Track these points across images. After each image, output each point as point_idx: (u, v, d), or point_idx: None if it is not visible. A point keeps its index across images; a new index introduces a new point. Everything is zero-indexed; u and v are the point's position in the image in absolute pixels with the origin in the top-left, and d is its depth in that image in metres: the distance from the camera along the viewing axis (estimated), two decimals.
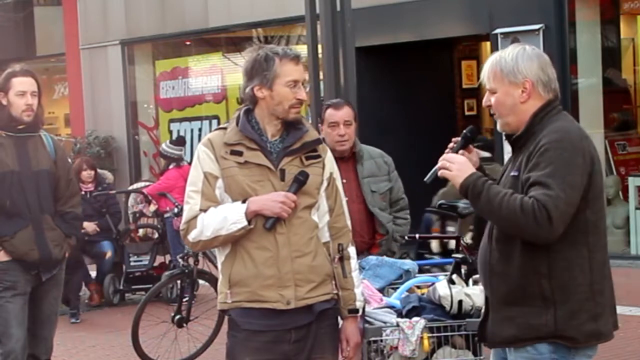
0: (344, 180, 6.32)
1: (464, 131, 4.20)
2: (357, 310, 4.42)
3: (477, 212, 4.01)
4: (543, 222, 3.72)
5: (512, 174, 3.94)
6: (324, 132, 6.34)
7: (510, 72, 3.94)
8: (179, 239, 11.14)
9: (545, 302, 3.86)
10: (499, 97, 3.98)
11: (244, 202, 4.20)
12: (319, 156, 4.35)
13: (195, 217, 4.24)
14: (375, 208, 6.33)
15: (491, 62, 4.02)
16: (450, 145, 4.16)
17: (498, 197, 3.82)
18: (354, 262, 4.44)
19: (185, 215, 4.29)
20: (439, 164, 4.03)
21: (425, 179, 4.23)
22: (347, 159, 6.37)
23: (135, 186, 12.75)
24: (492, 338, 4.05)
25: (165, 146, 12.21)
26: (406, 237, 6.60)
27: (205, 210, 4.23)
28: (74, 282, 10.54)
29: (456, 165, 3.97)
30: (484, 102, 4.06)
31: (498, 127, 4.08)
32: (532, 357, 3.93)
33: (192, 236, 4.27)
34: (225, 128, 4.33)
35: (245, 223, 4.17)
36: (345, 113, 6.31)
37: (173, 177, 11.60)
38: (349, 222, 4.49)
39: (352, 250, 4.46)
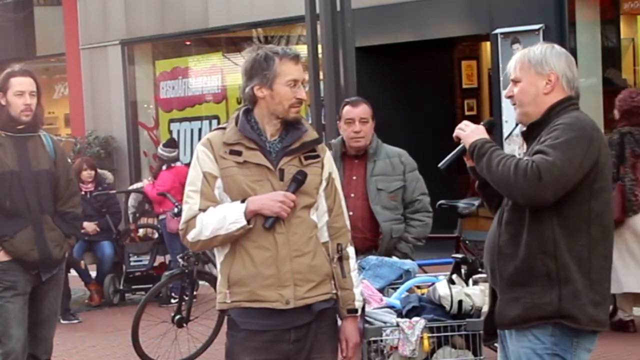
0: (354, 177, 6.36)
1: (482, 123, 4.28)
2: (356, 310, 4.42)
3: (478, 172, 4.09)
4: (532, 180, 3.82)
5: (524, 158, 4.00)
6: (341, 128, 6.41)
7: (538, 62, 4.06)
8: (176, 240, 11.24)
9: (550, 281, 3.94)
10: (523, 86, 4.09)
11: (243, 201, 4.20)
12: (317, 156, 4.36)
13: (194, 216, 4.24)
14: (376, 206, 6.34)
15: (519, 54, 4.15)
16: None
17: (498, 157, 3.95)
18: (352, 262, 4.44)
19: (184, 215, 4.29)
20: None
21: (440, 165, 4.32)
22: (361, 157, 6.45)
23: (135, 186, 12.73)
24: (499, 320, 4.10)
25: (159, 149, 12.17)
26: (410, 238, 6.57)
27: (204, 210, 4.23)
28: None
29: (471, 128, 4.12)
30: (507, 92, 4.17)
31: (516, 117, 4.18)
32: (532, 346, 3.98)
33: (191, 236, 4.26)
34: (224, 128, 4.33)
35: (245, 222, 4.16)
36: (362, 110, 6.40)
37: (169, 179, 11.58)
38: (347, 222, 4.49)
39: (351, 250, 4.46)
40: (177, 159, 11.99)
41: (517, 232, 3.98)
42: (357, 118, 6.35)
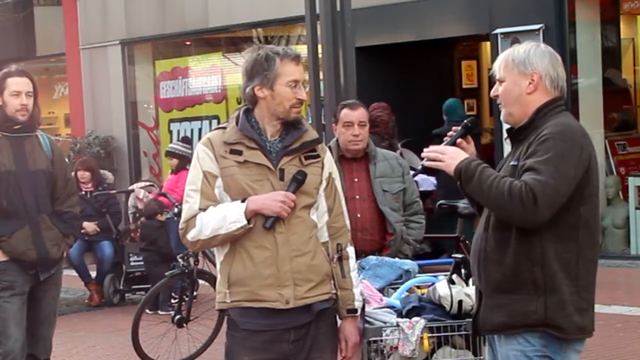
0: (356, 179, 6.36)
1: (465, 121, 4.26)
2: (355, 310, 4.42)
3: (469, 194, 4.05)
4: (528, 205, 3.79)
5: (511, 163, 3.99)
6: (337, 131, 6.40)
7: (521, 62, 4.02)
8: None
9: (536, 290, 3.91)
10: (507, 86, 4.05)
11: (243, 201, 4.20)
12: (317, 156, 4.35)
13: (194, 216, 4.24)
14: (385, 207, 6.35)
15: (504, 54, 4.12)
16: (450, 133, 4.22)
17: (489, 179, 3.89)
18: (352, 262, 4.44)
19: (184, 215, 4.29)
20: (425, 154, 4.08)
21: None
22: (360, 159, 6.45)
23: (134, 186, 12.71)
24: (483, 325, 4.08)
25: (175, 144, 11.97)
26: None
27: (204, 209, 4.23)
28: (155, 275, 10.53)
29: (447, 154, 4.03)
30: (492, 91, 4.14)
31: (501, 117, 4.15)
32: (522, 348, 3.96)
33: (190, 235, 4.27)
34: (224, 127, 4.34)
35: (245, 222, 4.16)
36: (361, 114, 6.40)
37: None
38: (347, 222, 4.49)
39: (350, 250, 4.46)
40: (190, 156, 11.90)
41: (504, 238, 3.95)
42: (356, 121, 6.34)
